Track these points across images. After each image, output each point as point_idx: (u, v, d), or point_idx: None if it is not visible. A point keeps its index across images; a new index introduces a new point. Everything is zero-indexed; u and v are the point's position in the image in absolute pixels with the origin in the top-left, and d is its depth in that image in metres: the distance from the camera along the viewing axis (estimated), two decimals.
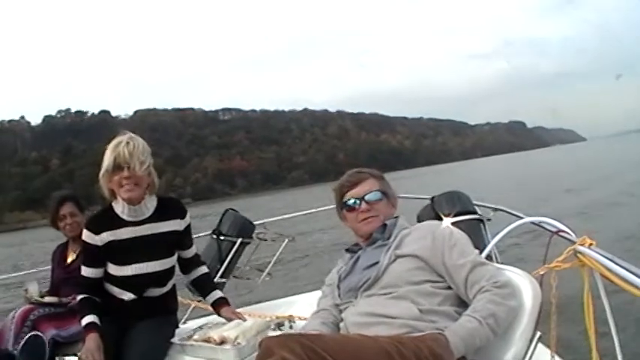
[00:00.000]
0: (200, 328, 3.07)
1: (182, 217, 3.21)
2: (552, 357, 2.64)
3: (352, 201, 2.68)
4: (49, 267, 4.28)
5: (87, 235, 3.10)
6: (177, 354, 2.94)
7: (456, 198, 4.15)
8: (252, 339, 2.80)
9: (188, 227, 3.26)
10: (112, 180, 3.00)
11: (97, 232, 3.07)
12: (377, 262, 2.49)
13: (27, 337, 3.48)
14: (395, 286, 2.39)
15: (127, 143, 2.97)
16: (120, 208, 3.09)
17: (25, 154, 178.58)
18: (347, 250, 2.78)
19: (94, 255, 3.10)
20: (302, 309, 3.50)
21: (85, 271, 3.13)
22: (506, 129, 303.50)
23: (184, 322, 3.58)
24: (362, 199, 2.66)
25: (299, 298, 4.16)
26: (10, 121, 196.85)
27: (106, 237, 3.06)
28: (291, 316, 3.42)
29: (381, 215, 2.66)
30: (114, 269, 3.10)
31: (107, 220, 3.10)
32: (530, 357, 2.26)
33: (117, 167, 2.95)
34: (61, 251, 4.16)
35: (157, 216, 3.14)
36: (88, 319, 3.01)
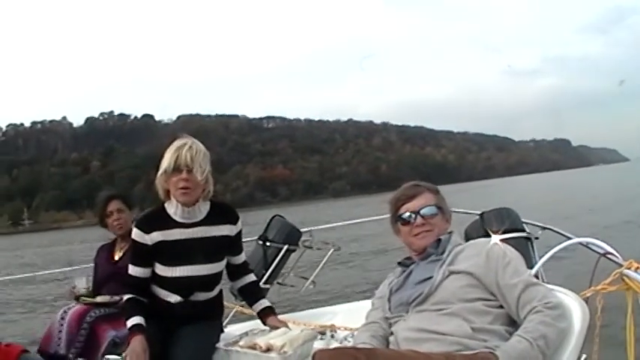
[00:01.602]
0: (246, 334, 3.03)
1: (234, 222, 3.21)
2: None
3: (407, 215, 2.67)
4: (91, 265, 4.32)
5: (137, 234, 3.10)
6: (222, 359, 2.94)
7: (505, 215, 4.10)
8: (299, 348, 2.77)
9: (239, 234, 3.26)
10: (170, 181, 3.02)
11: (147, 232, 3.07)
12: (430, 277, 2.47)
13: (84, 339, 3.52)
14: (447, 303, 2.37)
15: (190, 147, 2.99)
16: (173, 209, 3.10)
17: (66, 154, 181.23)
18: (399, 264, 2.76)
19: (143, 254, 3.10)
20: (344, 319, 3.49)
21: (133, 270, 3.13)
22: (550, 146, 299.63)
23: (225, 326, 3.57)
24: (417, 213, 2.65)
25: (341, 308, 4.15)
26: (51, 121, 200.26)
27: (156, 237, 3.06)
28: (333, 325, 3.41)
29: (435, 230, 2.64)
30: (162, 270, 3.10)
31: (158, 219, 3.11)
32: None
33: (176, 169, 2.97)
34: (108, 249, 4.18)
35: (209, 220, 3.13)
36: (134, 320, 3.01)
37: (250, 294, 3.41)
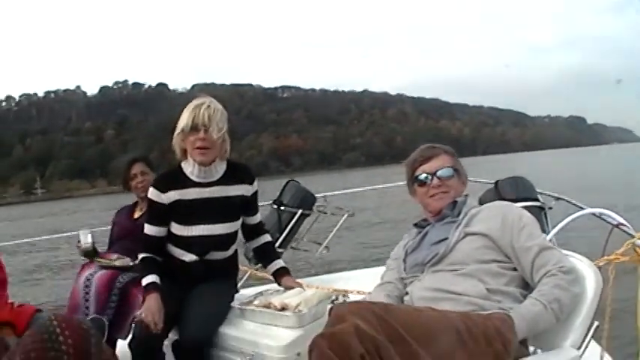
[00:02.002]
0: (260, 294, 3.05)
1: (250, 182, 3.22)
2: (603, 349, 2.63)
3: (424, 176, 2.66)
4: (108, 227, 4.34)
5: (153, 193, 3.11)
6: (237, 318, 2.94)
7: (520, 183, 4.11)
8: (314, 308, 2.79)
9: (255, 194, 3.27)
10: (187, 140, 3.02)
11: (163, 191, 3.08)
12: (446, 238, 2.48)
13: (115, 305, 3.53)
14: (463, 264, 2.38)
15: (208, 106, 2.99)
16: (189, 168, 3.10)
17: (79, 123, 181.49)
18: (415, 225, 2.77)
19: (159, 213, 3.11)
20: (357, 284, 3.48)
21: (149, 230, 3.14)
22: (565, 123, 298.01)
23: (240, 289, 3.58)
24: (434, 174, 2.64)
25: (354, 274, 4.16)
26: (65, 90, 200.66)
27: (172, 196, 3.07)
28: (346, 290, 3.43)
29: (451, 192, 2.64)
30: (178, 229, 3.10)
31: (175, 179, 3.11)
32: (587, 346, 2.24)
33: (194, 128, 2.97)
34: (129, 209, 4.21)
35: (226, 179, 3.14)
36: (150, 278, 3.02)
37: (265, 254, 3.44)
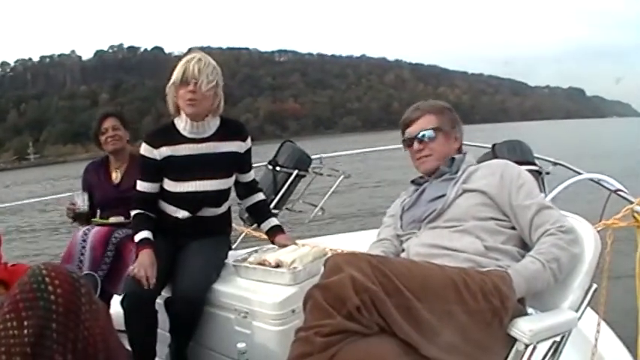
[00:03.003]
0: (255, 251, 3.06)
1: (243, 139, 3.20)
2: (599, 315, 2.63)
3: (407, 139, 2.66)
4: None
5: (145, 149, 3.09)
6: (231, 275, 2.95)
7: (517, 147, 4.09)
8: (309, 265, 2.79)
9: (248, 151, 3.25)
10: (178, 94, 3.01)
11: (156, 147, 3.07)
12: (443, 195, 2.46)
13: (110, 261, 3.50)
14: (460, 220, 2.36)
15: (199, 60, 2.98)
16: (182, 124, 3.09)
17: (74, 88, 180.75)
18: (412, 182, 2.75)
19: (151, 169, 3.10)
20: (352, 246, 3.47)
21: (141, 186, 3.13)
22: (564, 94, 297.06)
23: (235, 249, 3.57)
24: (415, 137, 2.63)
25: (349, 236, 4.15)
26: (60, 55, 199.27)
27: (164, 151, 3.06)
28: (342, 250, 3.40)
29: (435, 154, 2.61)
30: (170, 185, 3.10)
31: (167, 134, 3.10)
32: (585, 308, 2.23)
33: (184, 81, 2.96)
34: (102, 168, 4.04)
35: (219, 136, 3.13)
36: (143, 234, 3.03)
37: (259, 212, 3.43)
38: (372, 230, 3.23)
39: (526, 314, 2.19)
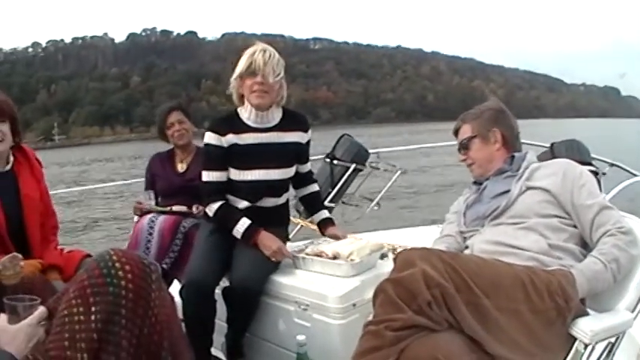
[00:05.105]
0: (312, 243, 3.05)
1: (305, 130, 3.22)
2: None
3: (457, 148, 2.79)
4: (143, 178, 4.25)
5: (212, 137, 3.09)
6: (288, 267, 2.94)
7: (575, 147, 4.09)
8: (366, 257, 2.79)
9: (309, 142, 3.27)
10: (244, 85, 3.03)
11: (223, 134, 3.06)
12: (507, 191, 2.49)
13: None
14: (524, 217, 2.39)
15: (264, 51, 3.00)
16: (246, 114, 3.10)
17: (106, 70, 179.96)
18: (474, 183, 2.78)
19: (218, 157, 3.08)
20: (407, 242, 3.45)
21: (210, 176, 3.09)
22: (600, 93, 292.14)
23: (290, 240, 3.56)
24: (459, 149, 2.76)
25: (405, 231, 4.13)
26: (92, 37, 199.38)
27: (231, 139, 3.06)
28: (400, 246, 3.38)
29: (476, 161, 2.70)
30: (234, 174, 3.09)
31: (232, 123, 3.10)
32: None
33: (250, 73, 2.98)
34: (168, 160, 4.11)
35: (282, 126, 3.14)
36: (245, 222, 3.00)
37: (312, 203, 3.46)
38: (428, 226, 3.21)
39: (586, 314, 2.20)
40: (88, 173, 33.94)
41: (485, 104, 2.82)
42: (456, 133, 2.78)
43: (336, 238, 3.11)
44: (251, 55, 2.99)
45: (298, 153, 3.21)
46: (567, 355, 2.08)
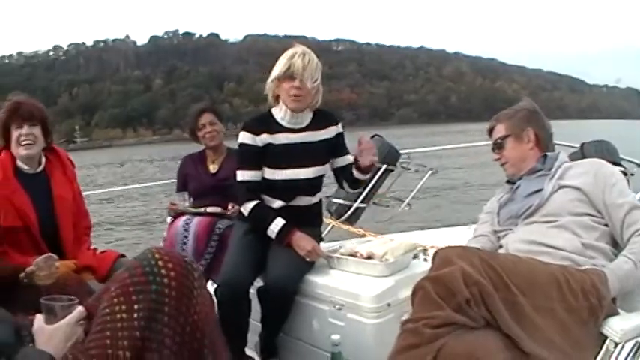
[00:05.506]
0: (345, 243, 3.08)
1: (335, 124, 3.23)
2: None
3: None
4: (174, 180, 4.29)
5: (246, 137, 3.10)
6: (323, 267, 2.96)
7: (604, 147, 4.05)
8: (400, 257, 2.80)
9: (340, 135, 3.25)
10: (281, 86, 3.04)
11: (257, 133, 3.08)
12: (540, 190, 2.51)
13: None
14: (557, 215, 2.41)
15: (303, 55, 3.00)
16: (280, 114, 3.12)
17: (128, 72, 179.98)
18: (507, 182, 2.80)
19: (253, 157, 3.10)
20: (440, 242, 3.47)
21: (245, 175, 3.10)
22: (622, 94, 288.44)
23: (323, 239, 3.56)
24: (493, 148, 2.78)
25: (437, 232, 4.12)
26: (114, 40, 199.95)
27: (265, 138, 3.08)
28: (432, 246, 3.39)
29: (509, 161, 2.72)
30: (268, 173, 3.10)
31: (266, 123, 3.12)
32: None
33: (289, 76, 2.99)
34: (200, 161, 4.14)
35: (314, 125, 3.16)
36: (279, 221, 3.01)
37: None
38: (460, 227, 3.21)
39: (617, 313, 2.22)
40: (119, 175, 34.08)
41: (519, 104, 2.83)
42: (490, 132, 2.80)
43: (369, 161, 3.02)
44: (290, 58, 3.00)
45: (331, 148, 3.21)
46: (598, 353, 2.09)
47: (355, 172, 3.13)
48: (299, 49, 3.05)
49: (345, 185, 3.33)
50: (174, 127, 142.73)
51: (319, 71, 3.06)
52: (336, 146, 3.24)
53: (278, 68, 3.02)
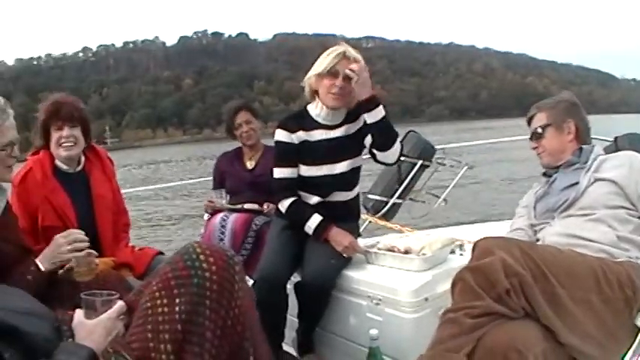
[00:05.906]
0: (382, 238, 3.08)
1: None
2: None
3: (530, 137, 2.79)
4: (210, 178, 4.32)
5: (283, 135, 3.12)
6: (360, 262, 2.96)
7: (638, 140, 4.03)
8: (437, 252, 2.80)
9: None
10: (322, 83, 3.03)
11: (293, 131, 3.09)
12: (576, 183, 2.51)
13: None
14: (592, 208, 2.41)
15: (348, 57, 2.99)
16: (316, 111, 3.13)
17: (158, 73, 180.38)
18: (544, 174, 2.79)
19: (289, 154, 3.11)
20: (476, 237, 3.45)
21: (282, 172, 3.12)
22: None
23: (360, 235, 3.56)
24: (531, 136, 2.76)
25: (474, 227, 4.09)
26: (144, 41, 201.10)
27: (301, 135, 3.09)
28: (469, 241, 3.38)
29: (547, 150, 2.71)
30: (305, 170, 3.11)
31: (301, 120, 3.14)
32: None
33: (332, 74, 2.98)
34: (236, 158, 4.16)
35: (348, 120, 3.14)
36: (317, 217, 3.02)
37: None
38: (497, 222, 3.19)
39: None
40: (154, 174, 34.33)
41: (560, 95, 2.85)
42: (529, 121, 2.80)
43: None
44: (336, 56, 2.99)
45: (363, 136, 3.12)
46: (631, 345, 2.10)
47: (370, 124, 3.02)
48: (340, 47, 3.04)
49: (376, 152, 3.11)
50: (205, 126, 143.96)
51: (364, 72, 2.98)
52: (367, 130, 3.13)
53: (322, 65, 3.01)
